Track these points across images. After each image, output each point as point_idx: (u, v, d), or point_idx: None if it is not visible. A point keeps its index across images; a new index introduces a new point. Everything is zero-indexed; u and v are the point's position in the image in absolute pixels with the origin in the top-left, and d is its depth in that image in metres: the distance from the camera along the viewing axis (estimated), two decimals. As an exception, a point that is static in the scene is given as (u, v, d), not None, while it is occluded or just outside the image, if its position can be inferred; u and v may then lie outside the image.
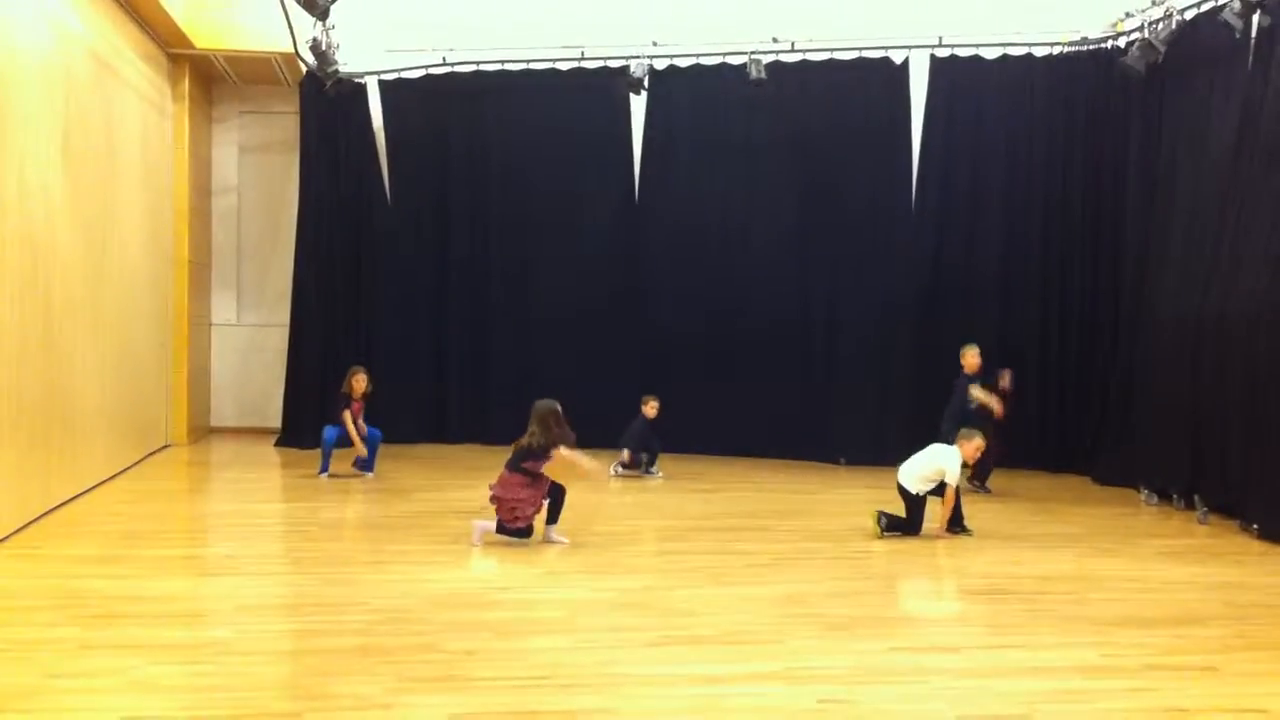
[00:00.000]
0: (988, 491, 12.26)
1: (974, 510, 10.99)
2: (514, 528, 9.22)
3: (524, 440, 9.34)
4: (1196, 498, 11.07)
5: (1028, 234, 14.30)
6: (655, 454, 13.38)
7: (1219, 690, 6.06)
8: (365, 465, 12.80)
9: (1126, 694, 5.95)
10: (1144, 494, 11.94)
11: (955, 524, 10.04)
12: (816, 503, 11.85)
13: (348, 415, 12.67)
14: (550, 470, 9.34)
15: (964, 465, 10.18)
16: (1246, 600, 8.01)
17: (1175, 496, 11.50)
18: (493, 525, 9.30)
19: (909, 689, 6.23)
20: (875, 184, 14.70)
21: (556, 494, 9.45)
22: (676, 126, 15.42)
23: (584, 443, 13.57)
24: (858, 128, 14.71)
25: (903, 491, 10.00)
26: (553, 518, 9.47)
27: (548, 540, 9.39)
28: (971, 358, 12.48)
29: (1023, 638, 6.97)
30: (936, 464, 9.96)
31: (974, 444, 10.13)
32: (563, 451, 9.28)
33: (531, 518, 9.29)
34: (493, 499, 9.31)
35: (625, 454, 13.25)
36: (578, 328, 15.12)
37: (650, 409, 13.39)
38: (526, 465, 9.25)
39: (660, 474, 13.24)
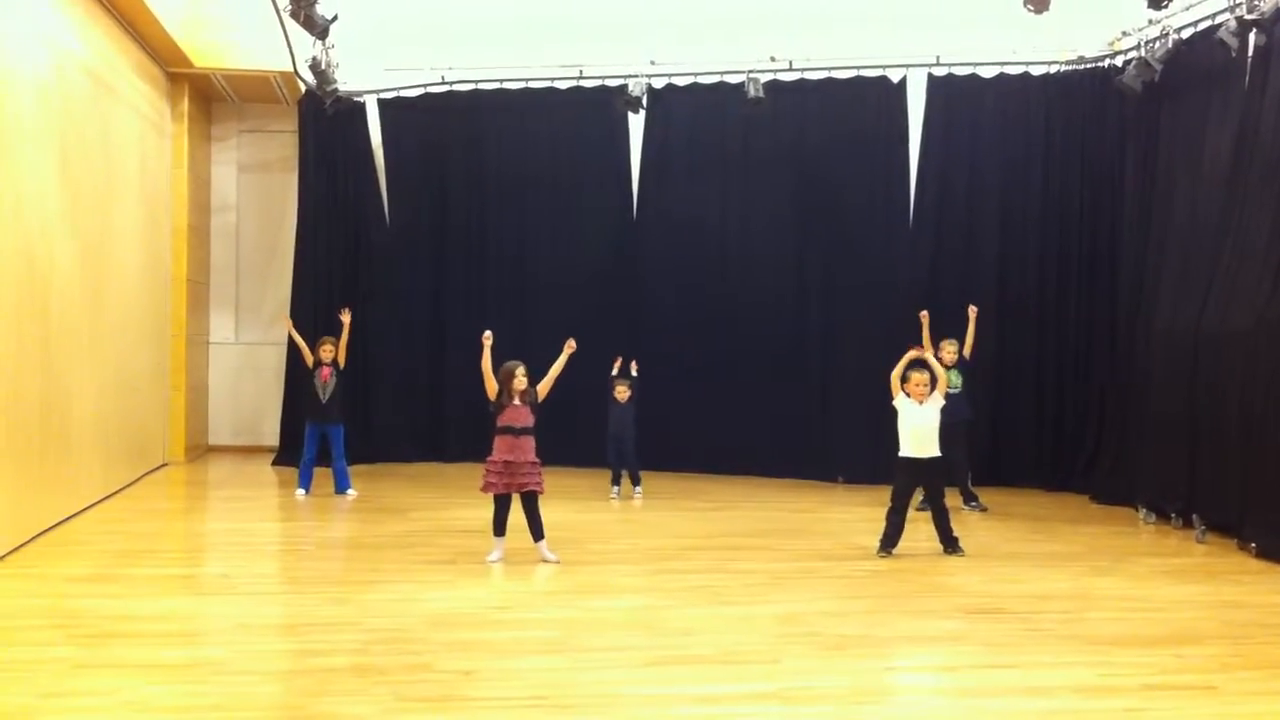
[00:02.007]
0: (984, 509, 12.23)
1: (971, 529, 10.99)
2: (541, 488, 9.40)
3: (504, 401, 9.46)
4: (1195, 516, 11.04)
5: (1025, 252, 14.32)
6: (635, 469, 13.28)
7: (1217, 710, 6.05)
8: (342, 487, 12.83)
9: (1124, 714, 5.94)
10: (1142, 512, 11.91)
11: (949, 544, 10.02)
12: (815, 522, 11.83)
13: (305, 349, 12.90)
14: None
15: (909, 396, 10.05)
16: (1245, 619, 7.99)
17: (1173, 515, 11.47)
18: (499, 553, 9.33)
19: (906, 709, 6.23)
20: (873, 202, 14.71)
21: (531, 507, 9.43)
22: (674, 145, 15.44)
23: (581, 461, 13.68)
24: (855, 146, 14.73)
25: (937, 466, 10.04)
26: (537, 533, 9.46)
27: (540, 558, 9.38)
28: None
29: (1020, 657, 6.95)
30: (914, 422, 9.95)
31: (910, 382, 10.06)
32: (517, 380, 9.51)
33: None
34: (535, 469, 9.37)
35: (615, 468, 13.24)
36: (576, 344, 15.10)
37: (621, 393, 13.13)
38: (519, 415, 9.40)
39: (640, 493, 13.22)
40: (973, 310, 12.59)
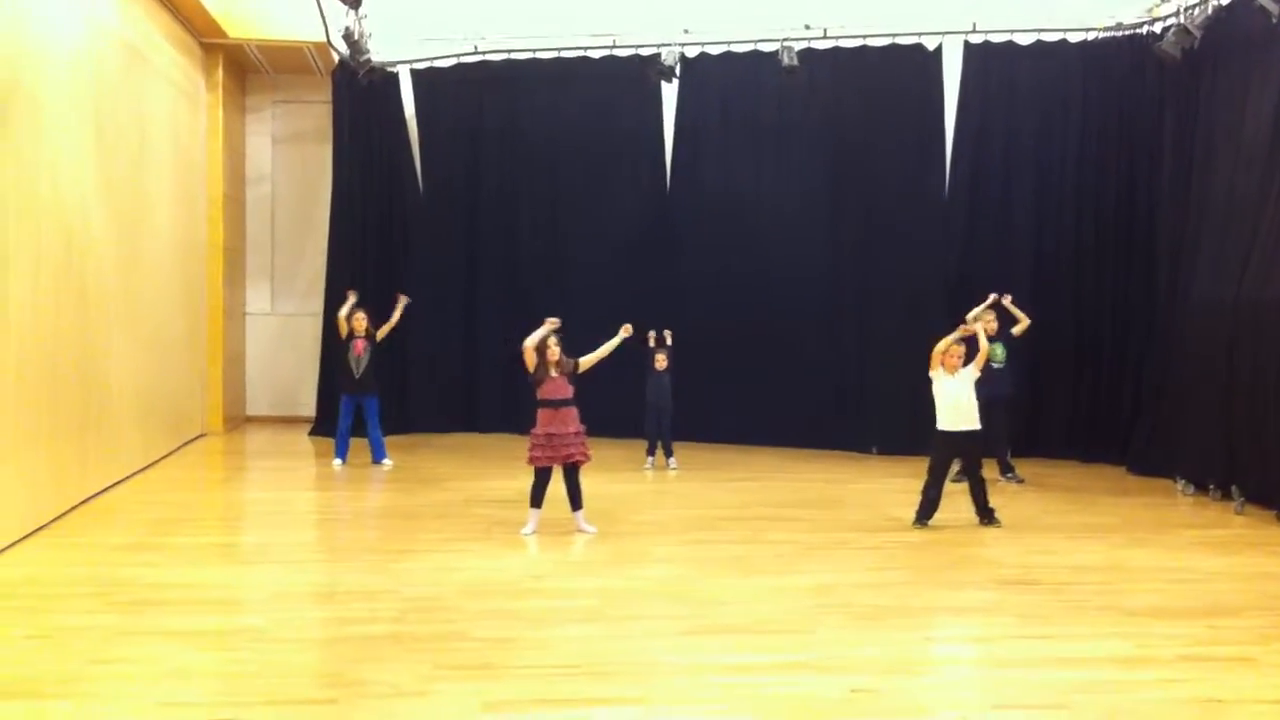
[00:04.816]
0: (1021, 481, 12.18)
1: (1007, 500, 10.94)
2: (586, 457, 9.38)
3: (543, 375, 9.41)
4: (1233, 488, 10.97)
5: (1061, 221, 14.19)
6: (669, 440, 13.22)
7: (1255, 681, 6.02)
8: (378, 457, 12.90)
9: (1161, 685, 5.92)
10: (1180, 484, 11.83)
11: (985, 515, 9.99)
12: (849, 493, 11.81)
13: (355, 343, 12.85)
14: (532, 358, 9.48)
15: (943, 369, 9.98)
16: (1283, 591, 7.95)
17: (1212, 486, 11.39)
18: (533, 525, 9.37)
19: (941, 679, 6.23)
20: (908, 171, 14.59)
21: (572, 477, 9.46)
22: (708, 114, 15.37)
23: (613, 431, 13.65)
24: (891, 115, 14.59)
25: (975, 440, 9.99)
26: (576, 503, 9.48)
27: (577, 529, 9.42)
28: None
29: (1056, 628, 6.93)
30: (949, 394, 9.89)
31: (946, 353, 9.99)
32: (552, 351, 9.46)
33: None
34: (579, 439, 9.34)
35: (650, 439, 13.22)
36: (608, 315, 15.00)
37: (661, 361, 13.09)
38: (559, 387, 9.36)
39: (674, 463, 13.20)
40: (1005, 298, 12.37)
